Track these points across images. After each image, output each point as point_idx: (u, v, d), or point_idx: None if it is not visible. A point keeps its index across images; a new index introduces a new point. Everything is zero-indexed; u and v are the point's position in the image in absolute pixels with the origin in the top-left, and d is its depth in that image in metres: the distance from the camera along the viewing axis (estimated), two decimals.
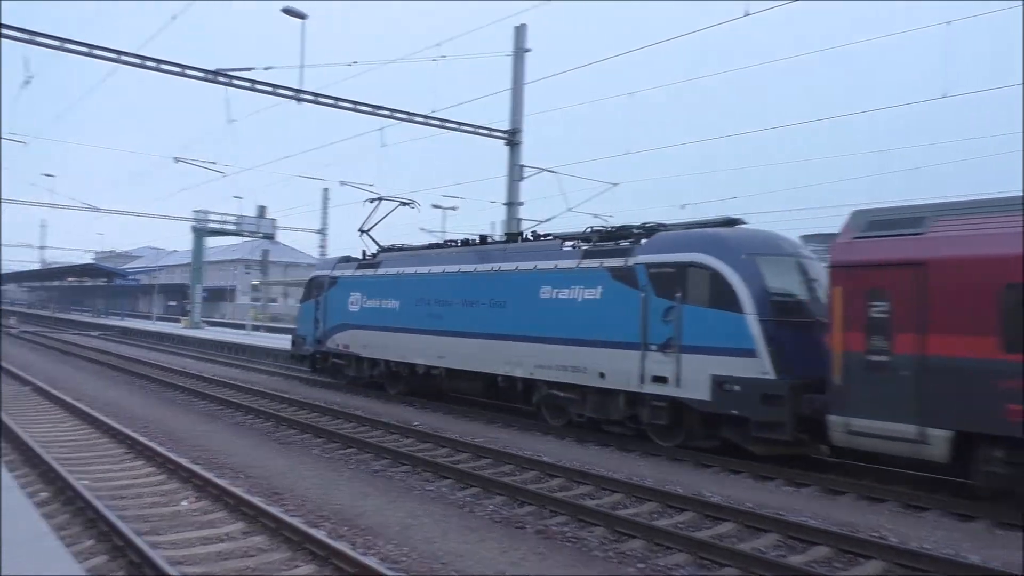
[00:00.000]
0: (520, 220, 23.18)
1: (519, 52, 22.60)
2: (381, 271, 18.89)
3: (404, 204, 20.79)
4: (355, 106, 21.89)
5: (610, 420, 13.19)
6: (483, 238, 17.47)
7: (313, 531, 7.22)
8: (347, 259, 20.90)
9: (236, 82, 20.31)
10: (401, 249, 19.57)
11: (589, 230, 14.57)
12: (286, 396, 17.82)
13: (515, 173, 23.05)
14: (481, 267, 15.84)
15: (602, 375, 12.95)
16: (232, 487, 8.85)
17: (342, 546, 6.79)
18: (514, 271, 14.95)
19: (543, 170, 23.27)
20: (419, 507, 8.83)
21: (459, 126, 23.00)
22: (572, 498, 9.21)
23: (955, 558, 7.05)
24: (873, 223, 10.10)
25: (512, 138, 23.04)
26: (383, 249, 20.13)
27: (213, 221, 49.99)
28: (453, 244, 18.08)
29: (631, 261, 12.78)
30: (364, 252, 20.48)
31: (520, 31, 22.69)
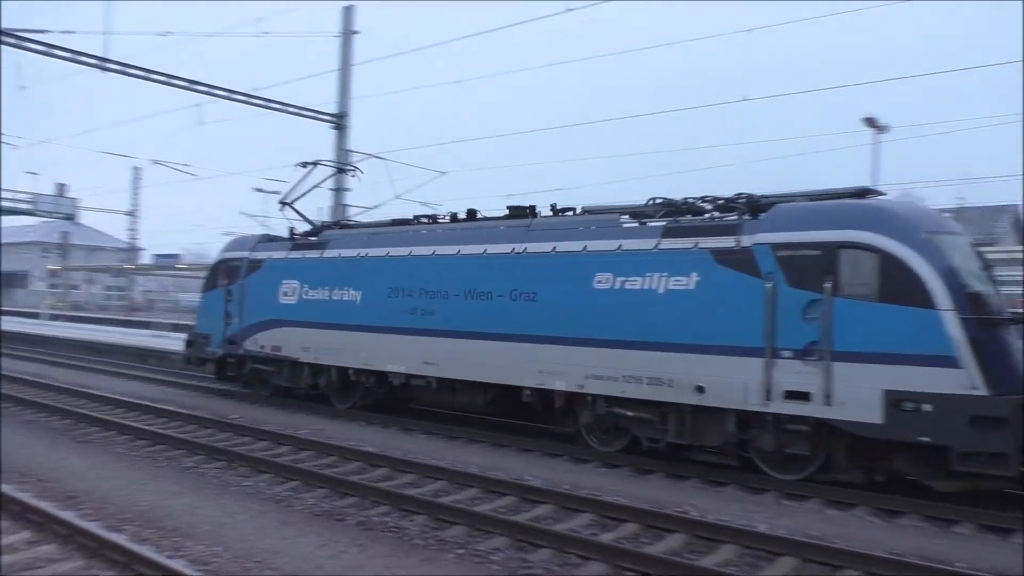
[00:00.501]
0: (347, 206, 22.73)
1: (347, 34, 22.09)
2: (331, 253, 15.02)
3: (342, 171, 17.39)
4: (169, 79, 20.55)
5: (705, 447, 10.39)
6: (471, 212, 13.91)
7: (112, 536, 6.72)
8: (272, 238, 17.02)
9: (28, 44, 18.44)
10: (357, 226, 16.11)
11: (650, 202, 11.47)
12: (89, 391, 16.47)
13: (342, 158, 22.53)
14: (495, 248, 12.31)
15: (700, 389, 9.90)
16: (16, 493, 8.05)
17: (145, 550, 6.38)
18: (550, 254, 11.58)
19: (371, 156, 22.90)
20: (234, 504, 8.46)
21: (283, 107, 22.17)
22: (394, 488, 9.17)
23: (747, 528, 7.67)
24: None
25: (339, 122, 22.51)
26: (325, 225, 16.79)
27: (2, 199, 45.28)
28: (426, 219, 14.65)
29: (747, 240, 9.76)
30: (292, 230, 16.84)
31: (348, 12, 22.17)
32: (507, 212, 13.10)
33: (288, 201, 17.19)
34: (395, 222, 15.01)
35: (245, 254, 16.74)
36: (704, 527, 7.70)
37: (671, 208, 11.19)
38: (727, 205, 10.78)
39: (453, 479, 9.68)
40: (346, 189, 22.58)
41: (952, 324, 8.43)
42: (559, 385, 11.33)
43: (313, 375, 15.20)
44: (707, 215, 10.90)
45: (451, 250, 12.92)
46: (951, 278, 8.67)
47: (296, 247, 15.90)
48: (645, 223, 11.10)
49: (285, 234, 17.13)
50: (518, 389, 11.92)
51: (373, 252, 14.20)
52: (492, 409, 12.76)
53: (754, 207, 10.39)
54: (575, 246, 11.37)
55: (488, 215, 13.79)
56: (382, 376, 13.90)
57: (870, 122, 24.72)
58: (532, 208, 12.84)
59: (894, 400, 8.56)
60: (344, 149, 22.49)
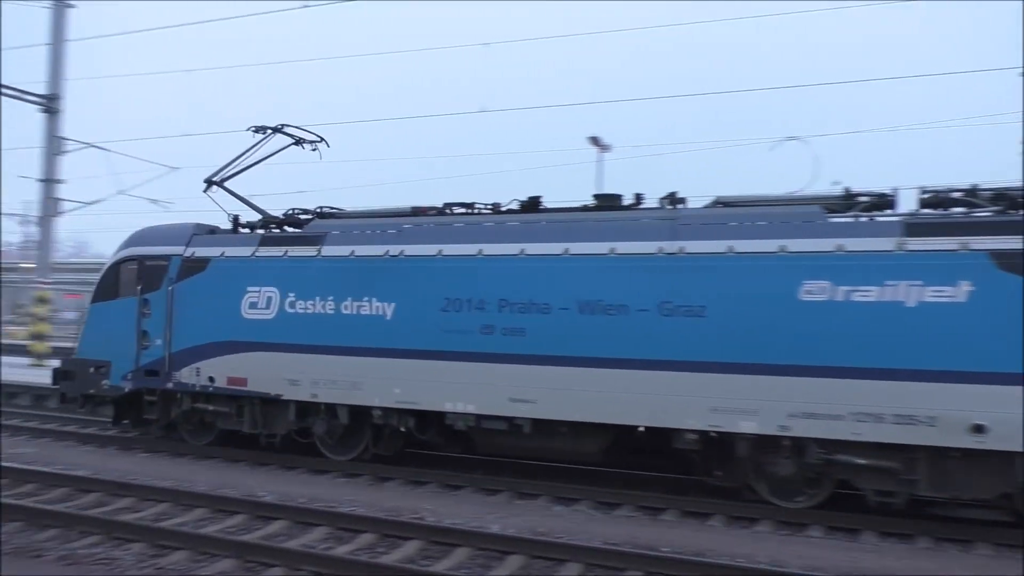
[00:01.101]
0: (59, 200, 20.41)
1: (59, 6, 19.84)
2: (334, 250, 11.10)
3: (299, 143, 13.21)
4: None
5: (971, 502, 8.64)
6: (534, 201, 10.88)
7: None
8: (213, 230, 12.57)
9: None
10: (363, 215, 11.79)
11: (845, 192, 9.45)
12: None
13: (53, 145, 20.19)
14: (629, 247, 9.51)
15: (978, 429, 7.93)
16: None
17: None
18: (725, 256, 9.05)
19: (89, 145, 20.79)
20: None
21: None
22: (107, 514, 8.32)
23: (480, 529, 7.92)
24: None
25: (50, 104, 20.13)
26: (296, 215, 12.42)
27: None
28: (462, 209, 11.26)
29: None
30: (235, 218, 12.63)
31: None
32: (595, 202, 10.53)
33: (218, 180, 12.88)
34: (417, 211, 11.27)
35: (175, 250, 12.20)
36: (439, 532, 7.83)
37: (871, 201, 9.32)
38: (941, 199, 9.00)
39: (178, 500, 8.98)
40: (58, 181, 20.21)
41: None
42: (747, 427, 8.85)
43: (299, 417, 11.34)
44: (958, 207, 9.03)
45: (553, 249, 9.89)
46: None
47: (269, 242, 11.71)
48: (859, 218, 9.05)
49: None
50: (658, 432, 9.41)
51: (413, 250, 10.63)
52: (604, 457, 10.17)
53: (1006, 200, 8.68)
54: (766, 246, 8.97)
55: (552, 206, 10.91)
56: (425, 417, 10.66)
57: (594, 141, 26.63)
58: (639, 197, 10.35)
59: None
60: (56, 136, 20.14)
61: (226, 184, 12.88)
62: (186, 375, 11.83)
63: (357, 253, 10.94)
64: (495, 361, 9.95)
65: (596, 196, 10.58)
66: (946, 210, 8.95)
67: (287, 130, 13.05)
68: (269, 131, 12.92)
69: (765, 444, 8.98)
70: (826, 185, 9.89)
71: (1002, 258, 8.05)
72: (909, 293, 8.33)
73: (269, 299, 11.37)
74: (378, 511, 8.62)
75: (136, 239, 12.90)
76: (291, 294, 11.22)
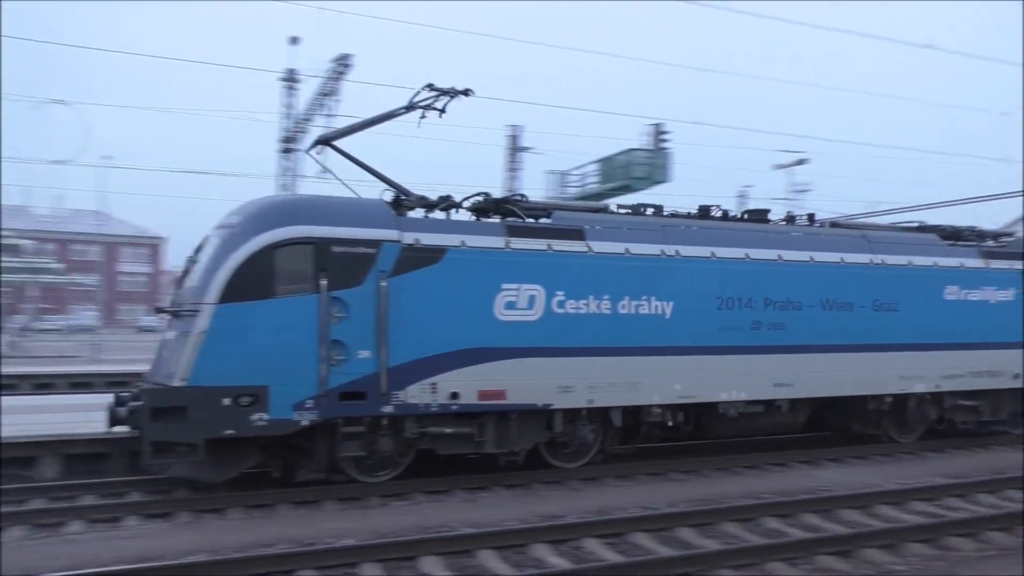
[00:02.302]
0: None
1: None
2: (603, 246, 10.87)
3: (411, 107, 11.20)
4: None
5: None
6: (705, 209, 12.45)
7: None
8: (424, 211, 10.75)
9: None
10: (595, 209, 12.01)
11: (922, 224, 14.21)
12: None
13: None
14: (851, 258, 12.59)
15: None
16: None
17: None
18: (908, 267, 12.96)
19: None
20: None
21: None
22: None
23: None
24: None
25: None
26: (522, 205, 11.34)
27: None
28: (688, 214, 12.41)
29: None
30: (399, 197, 10.63)
31: None
32: (747, 214, 13.09)
33: (331, 140, 10.96)
34: (606, 208, 12.17)
35: (385, 234, 9.88)
36: None
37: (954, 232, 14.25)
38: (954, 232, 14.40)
39: None
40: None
41: None
42: (919, 388, 12.88)
43: (567, 424, 10.68)
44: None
45: (802, 256, 12.22)
46: None
47: (523, 232, 10.63)
48: (958, 245, 13.87)
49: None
50: (839, 401, 12.65)
51: (687, 251, 11.36)
52: (803, 427, 12.86)
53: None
54: (927, 261, 13.24)
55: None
56: (690, 410, 11.58)
57: None
58: (766, 211, 13.06)
59: None
60: None
61: (337, 145, 11.01)
62: (415, 393, 9.83)
63: (632, 251, 11.04)
64: (762, 352, 11.75)
65: (747, 211, 13.26)
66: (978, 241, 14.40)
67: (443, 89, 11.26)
68: (435, 91, 11.14)
69: (926, 401, 13.24)
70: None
71: None
72: (987, 295, 13.65)
73: (532, 298, 10.43)
74: None
75: (298, 214, 9.87)
76: (559, 292, 10.58)
